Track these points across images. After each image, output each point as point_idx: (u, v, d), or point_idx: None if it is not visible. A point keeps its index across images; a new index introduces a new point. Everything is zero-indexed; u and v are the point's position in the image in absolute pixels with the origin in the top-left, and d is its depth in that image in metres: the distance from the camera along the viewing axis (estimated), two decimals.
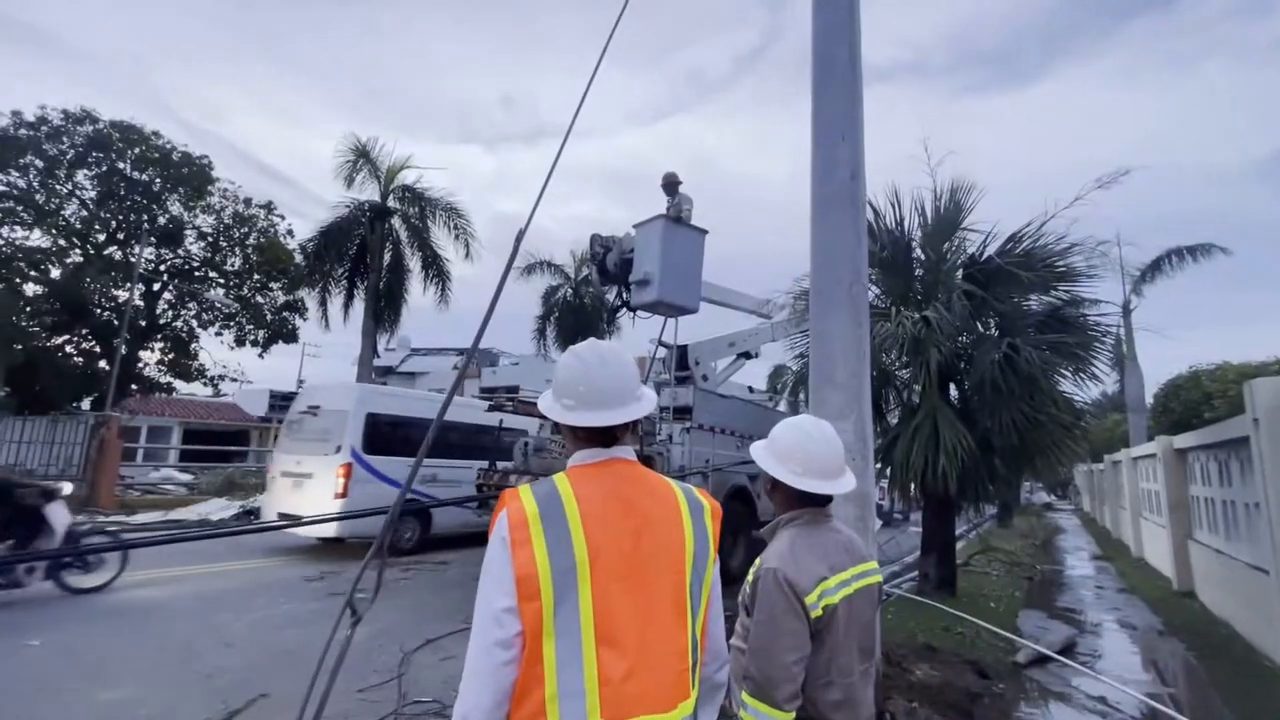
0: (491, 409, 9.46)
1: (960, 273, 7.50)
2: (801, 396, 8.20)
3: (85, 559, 6.17)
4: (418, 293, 18.36)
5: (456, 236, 18.12)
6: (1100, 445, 18.38)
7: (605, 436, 1.26)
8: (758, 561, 1.64)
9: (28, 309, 15.23)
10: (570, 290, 23.67)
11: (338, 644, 1.60)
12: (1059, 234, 7.05)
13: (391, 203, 17.69)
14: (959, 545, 10.33)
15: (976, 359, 6.96)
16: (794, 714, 1.47)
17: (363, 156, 17.19)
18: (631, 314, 8.69)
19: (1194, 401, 12.82)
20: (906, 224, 7.64)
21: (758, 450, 1.77)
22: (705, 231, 8.39)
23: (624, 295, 8.77)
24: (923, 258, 7.80)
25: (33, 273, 15.53)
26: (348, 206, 17.29)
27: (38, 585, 5.89)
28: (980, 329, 7.49)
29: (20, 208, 15.14)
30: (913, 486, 6.99)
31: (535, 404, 8.91)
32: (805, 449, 1.68)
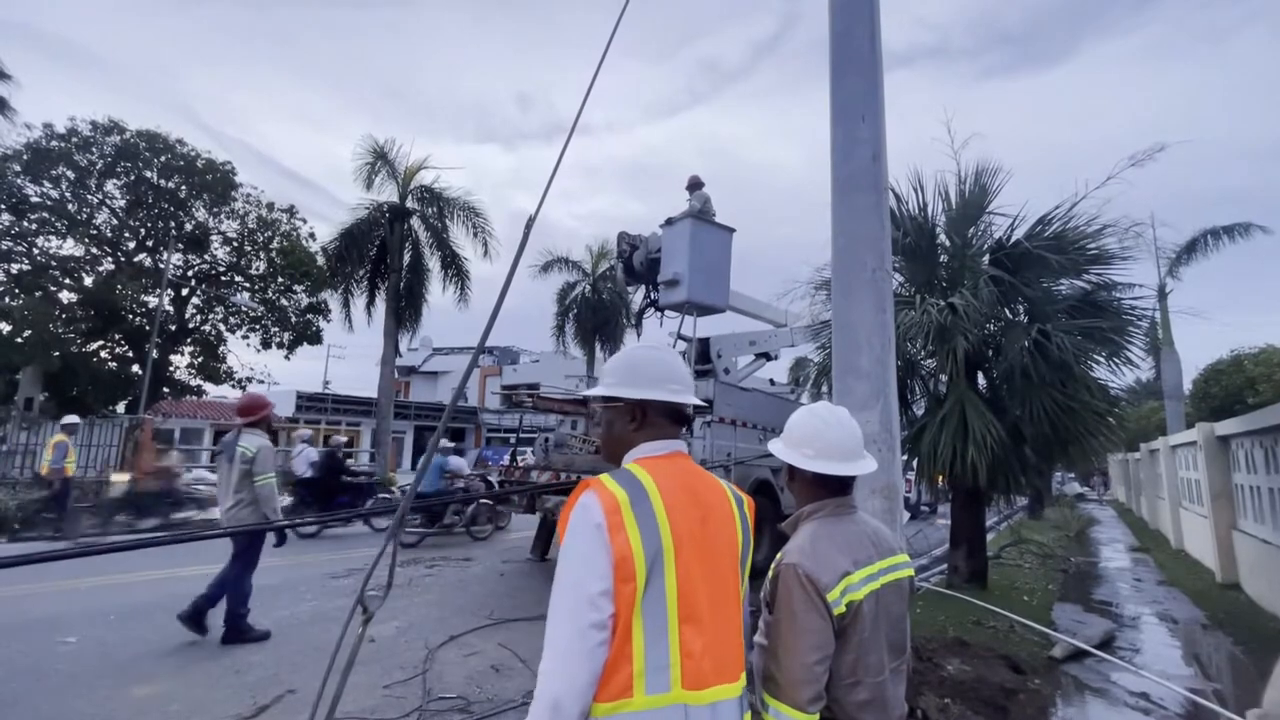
0: (512, 406, 9.50)
1: (987, 258, 7.29)
2: (825, 389, 8.07)
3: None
4: (438, 292, 18.52)
5: (475, 235, 18.25)
6: (1136, 433, 17.88)
7: (674, 426, 1.37)
8: (779, 556, 1.57)
9: (63, 316, 15.68)
10: (589, 286, 23.64)
11: (350, 641, 1.57)
12: (1090, 215, 6.82)
13: (410, 203, 17.86)
14: (989, 537, 10.10)
15: (1005, 346, 6.77)
16: (818, 715, 1.40)
17: (381, 158, 17.37)
18: (659, 314, 8.68)
19: (1236, 386, 12.39)
20: (930, 209, 7.45)
21: (774, 443, 1.72)
22: (733, 230, 8.35)
23: (650, 294, 8.78)
24: (947, 243, 7.60)
25: (67, 281, 15.98)
26: (367, 208, 17.50)
27: None
28: (1009, 315, 7.28)
29: (54, 218, 15.57)
30: (940, 478, 6.83)
31: (555, 399, 8.99)
32: (819, 433, 1.61)
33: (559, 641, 1.12)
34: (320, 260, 18.29)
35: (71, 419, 11.32)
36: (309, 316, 19.19)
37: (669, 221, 8.21)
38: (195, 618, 4.82)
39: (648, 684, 1.13)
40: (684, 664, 1.16)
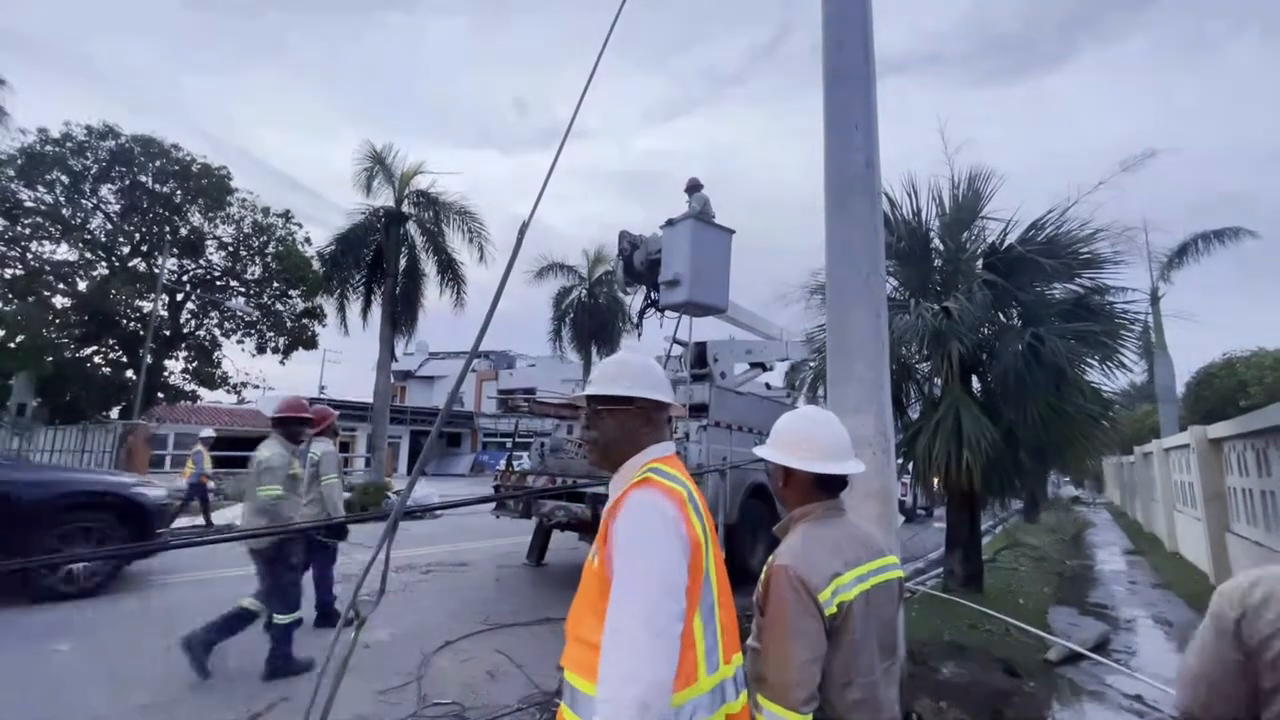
0: (508, 410, 9.49)
1: (980, 262, 7.33)
2: (820, 393, 8.09)
3: None
4: (434, 297, 18.49)
5: (471, 240, 18.20)
6: (1130, 437, 17.95)
7: (668, 427, 1.49)
8: (770, 559, 1.58)
9: (56, 321, 15.62)
10: (585, 291, 23.66)
11: (344, 647, 1.57)
12: (1083, 220, 6.85)
13: (406, 208, 17.83)
14: (985, 541, 10.11)
15: (999, 350, 6.80)
16: (811, 716, 1.41)
17: (378, 163, 17.34)
18: (660, 314, 8.72)
19: (1228, 389, 12.46)
20: (924, 214, 7.48)
21: (762, 448, 1.73)
22: (732, 231, 8.42)
23: (650, 295, 8.82)
24: (941, 248, 7.64)
25: (61, 286, 15.92)
26: (364, 213, 17.45)
27: None
28: (1002, 319, 7.31)
29: (48, 223, 15.52)
30: (935, 481, 6.84)
31: (551, 404, 8.99)
32: (810, 436, 1.63)
33: (639, 640, 1.08)
34: (316, 265, 18.26)
35: (208, 432, 12.03)
36: (304, 321, 19.14)
37: (670, 222, 8.24)
38: (325, 617, 5.57)
39: (707, 665, 1.22)
40: (723, 640, 1.28)
